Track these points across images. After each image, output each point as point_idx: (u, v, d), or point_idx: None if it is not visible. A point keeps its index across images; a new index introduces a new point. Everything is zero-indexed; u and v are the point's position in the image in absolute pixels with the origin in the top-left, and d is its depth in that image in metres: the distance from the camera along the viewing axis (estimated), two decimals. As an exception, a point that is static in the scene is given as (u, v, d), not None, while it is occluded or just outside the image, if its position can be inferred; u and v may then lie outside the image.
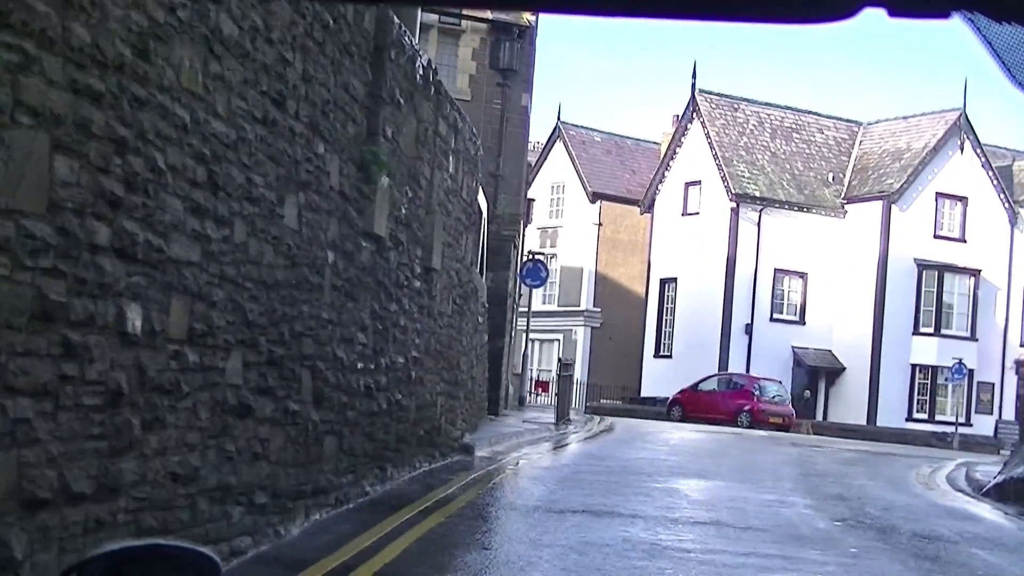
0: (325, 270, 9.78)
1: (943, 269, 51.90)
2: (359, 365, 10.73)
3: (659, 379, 53.29)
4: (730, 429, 32.79)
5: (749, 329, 51.99)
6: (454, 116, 14.97)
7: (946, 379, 50.08)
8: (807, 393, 49.90)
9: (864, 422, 50.72)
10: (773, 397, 46.07)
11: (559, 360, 31.55)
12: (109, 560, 1.84)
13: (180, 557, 1.92)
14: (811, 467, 19.15)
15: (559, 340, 60.35)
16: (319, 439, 9.72)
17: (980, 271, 52.47)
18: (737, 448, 23.60)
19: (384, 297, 11.75)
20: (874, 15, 1.31)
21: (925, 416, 51.32)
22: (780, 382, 47.28)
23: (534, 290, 58.33)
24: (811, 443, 28.94)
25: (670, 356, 54.46)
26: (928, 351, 51.33)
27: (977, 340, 52.05)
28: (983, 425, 51.37)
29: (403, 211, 12.47)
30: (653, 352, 55.29)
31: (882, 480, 18.00)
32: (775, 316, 52.77)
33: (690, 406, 45.11)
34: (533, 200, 38.01)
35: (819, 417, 52.61)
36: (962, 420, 50.39)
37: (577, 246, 60.26)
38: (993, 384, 52.83)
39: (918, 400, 51.69)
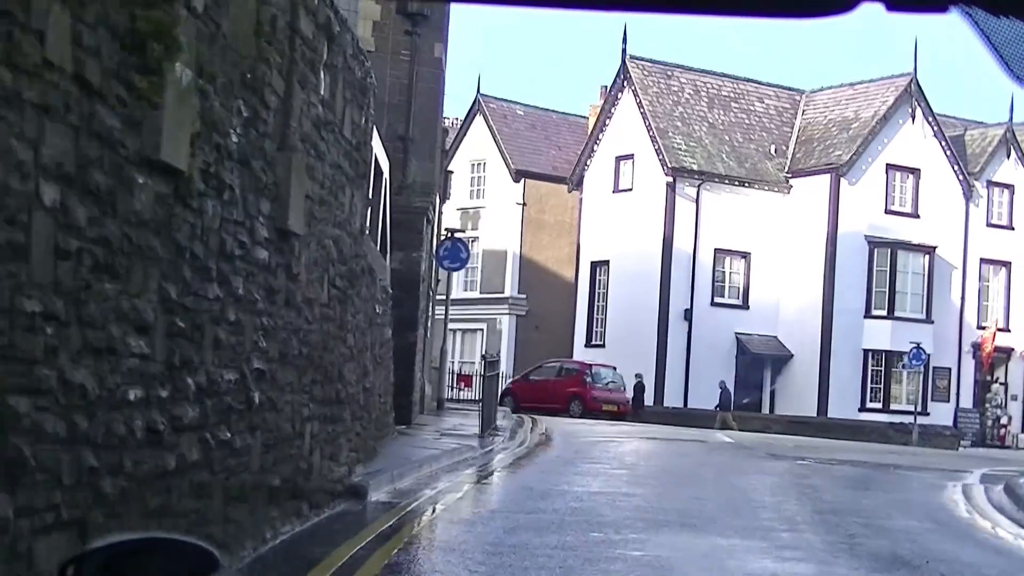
0: (35, 219, 5.13)
1: (896, 246, 48.02)
2: (131, 394, 6.08)
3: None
4: (691, 435, 28.31)
5: (688, 315, 47.81)
6: (327, 16, 10.32)
7: (902, 365, 46.24)
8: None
9: (814, 413, 46.80)
10: (607, 383, 43.70)
11: (483, 358, 27.12)
12: (107, 553, 1.87)
13: (177, 550, 1.93)
14: (817, 497, 14.75)
15: (482, 330, 55.85)
16: (29, 546, 5.07)
17: (935, 248, 48.66)
18: (709, 467, 19.22)
19: (192, 274, 7.09)
20: (872, 9, 1.33)
21: (879, 405, 47.47)
22: (615, 368, 44.40)
23: (454, 274, 54.17)
24: (790, 452, 24.59)
25: (603, 345, 50.12)
26: (881, 335, 47.44)
27: (933, 322, 48.25)
28: (940, 414, 47.63)
29: (233, 139, 7.83)
30: (584, 341, 50.93)
31: (920, 514, 13.66)
32: (716, 300, 48.63)
33: (522, 395, 42.75)
34: (452, 172, 33.43)
35: (766, 409, 48.58)
36: (918, 409, 46.60)
37: (500, 228, 55.74)
38: (950, 369, 49.08)
39: (871, 389, 47.81)
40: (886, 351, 47.45)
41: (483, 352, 56.86)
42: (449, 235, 26.25)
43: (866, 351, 47.66)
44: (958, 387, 49.44)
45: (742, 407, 47.66)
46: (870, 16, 1.31)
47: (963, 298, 49.83)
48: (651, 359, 47.54)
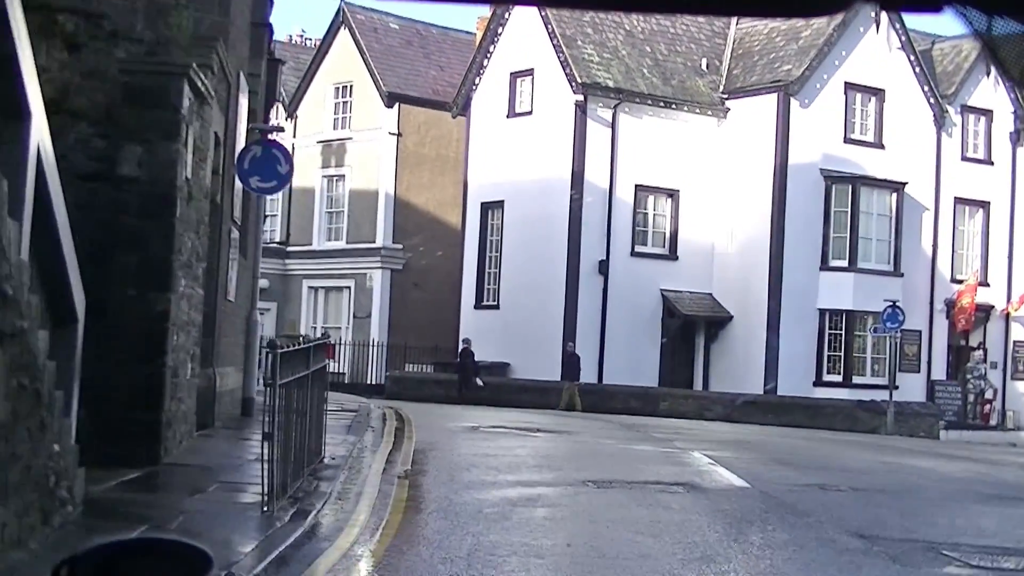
0: None
1: (858, 182, 38.85)
2: None
3: (483, 336, 39.27)
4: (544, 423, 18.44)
5: (604, 267, 38.19)
6: None
7: (873, 329, 37.17)
8: (480, 381, 36.36)
9: (760, 389, 37.60)
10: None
11: (289, 338, 17.15)
12: (102, 554, 1.85)
13: (173, 551, 1.92)
14: None
15: (349, 288, 45.74)
16: None
17: (904, 185, 39.58)
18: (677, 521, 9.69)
19: None
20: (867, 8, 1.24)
21: (838, 378, 38.43)
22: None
23: (315, 221, 44.91)
24: (745, 465, 15.29)
25: (496, 306, 40.37)
26: (841, 291, 38.32)
27: (902, 275, 39.25)
28: (910, 387, 38.76)
29: None
30: (474, 302, 41.10)
31: None
32: (638, 249, 39.05)
33: None
34: (282, 62, 23.27)
35: (698, 384, 39.27)
36: (883, 382, 37.79)
37: (370, 164, 45.59)
38: (919, 332, 40.14)
39: (829, 358, 38.67)
40: (847, 311, 38.37)
41: (352, 312, 46.84)
42: (261, 135, 16.07)
43: (822, 311, 38.51)
44: (929, 354, 40.57)
45: (669, 382, 38.36)
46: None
47: (935, 246, 40.88)
48: (557, 323, 37.94)
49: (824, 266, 38.50)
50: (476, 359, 37.79)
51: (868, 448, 23.84)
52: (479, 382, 36.08)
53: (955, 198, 41.13)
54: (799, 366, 38.14)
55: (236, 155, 15.86)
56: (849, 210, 38.61)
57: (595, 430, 22.10)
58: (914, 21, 42.51)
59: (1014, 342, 42.08)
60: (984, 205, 41.84)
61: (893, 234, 39.29)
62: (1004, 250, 41.90)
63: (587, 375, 37.54)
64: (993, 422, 39.50)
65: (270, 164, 15.68)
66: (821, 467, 17.21)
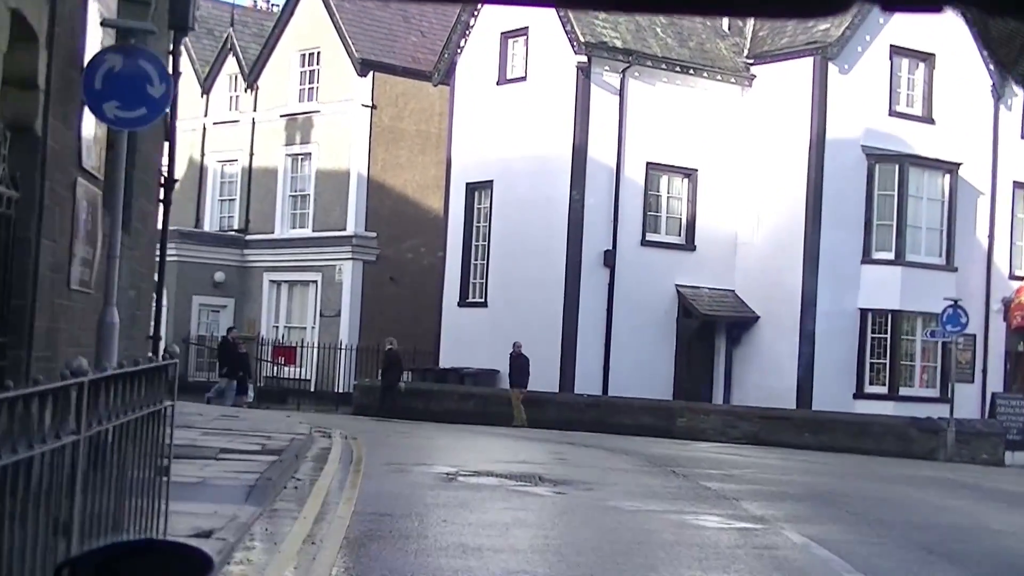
0: None
1: (905, 161, 33.26)
2: None
3: (468, 339, 33.86)
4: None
5: (610, 259, 32.58)
6: None
7: (930, 334, 31.66)
8: (402, 385, 31.41)
9: (793, 403, 32.07)
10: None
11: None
12: (102, 557, 1.86)
13: (173, 554, 1.91)
14: None
15: (316, 282, 40.07)
16: None
17: (959, 165, 34.03)
18: None
19: None
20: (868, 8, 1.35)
21: (883, 389, 32.86)
22: None
23: (278, 206, 40.01)
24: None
25: (484, 303, 34.74)
26: (887, 288, 32.76)
27: (956, 270, 33.71)
28: (964, 399, 33.19)
29: None
30: (458, 298, 35.45)
31: None
32: (649, 238, 33.45)
33: None
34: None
35: (719, 396, 33.69)
36: (935, 394, 32.40)
37: (340, 141, 39.93)
38: (974, 337, 34.55)
39: (872, 366, 33.08)
40: (892, 311, 32.82)
41: (319, 309, 40.71)
42: (120, 37, 10.38)
43: (864, 312, 32.95)
44: (985, 361, 35.02)
45: (686, 394, 32.83)
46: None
47: (991, 236, 35.29)
48: (555, 323, 32.35)
49: (867, 259, 32.93)
50: (457, 366, 32.39)
51: (990, 497, 18.26)
52: (401, 385, 31.26)
53: (1014, 182, 35.56)
54: (837, 375, 32.60)
55: (82, 66, 10.19)
56: (896, 193, 33.03)
57: (617, 475, 16.39)
58: None
59: (1079, 348, 36.57)
60: (1047, 190, 36.32)
61: (946, 222, 33.72)
62: (1068, 242, 36.40)
63: (590, 384, 32.02)
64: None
65: (134, 79, 10.05)
66: (985, 555, 11.52)
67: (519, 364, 30.84)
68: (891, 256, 32.91)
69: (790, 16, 1.35)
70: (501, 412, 30.37)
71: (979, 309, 34.57)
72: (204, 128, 43.53)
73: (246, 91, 42.70)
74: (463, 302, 35.11)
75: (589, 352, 31.99)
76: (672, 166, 33.60)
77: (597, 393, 31.62)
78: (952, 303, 29.67)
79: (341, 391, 36.07)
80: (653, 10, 1.38)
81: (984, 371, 34.84)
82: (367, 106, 39.52)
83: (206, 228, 42.93)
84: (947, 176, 33.85)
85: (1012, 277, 35.38)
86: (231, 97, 43.62)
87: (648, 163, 33.17)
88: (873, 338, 32.94)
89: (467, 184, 35.54)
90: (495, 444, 21.61)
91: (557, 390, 31.60)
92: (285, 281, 40.84)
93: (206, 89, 43.81)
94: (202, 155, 43.50)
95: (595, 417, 30.11)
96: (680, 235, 33.97)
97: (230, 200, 43.35)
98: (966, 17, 1.43)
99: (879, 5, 1.33)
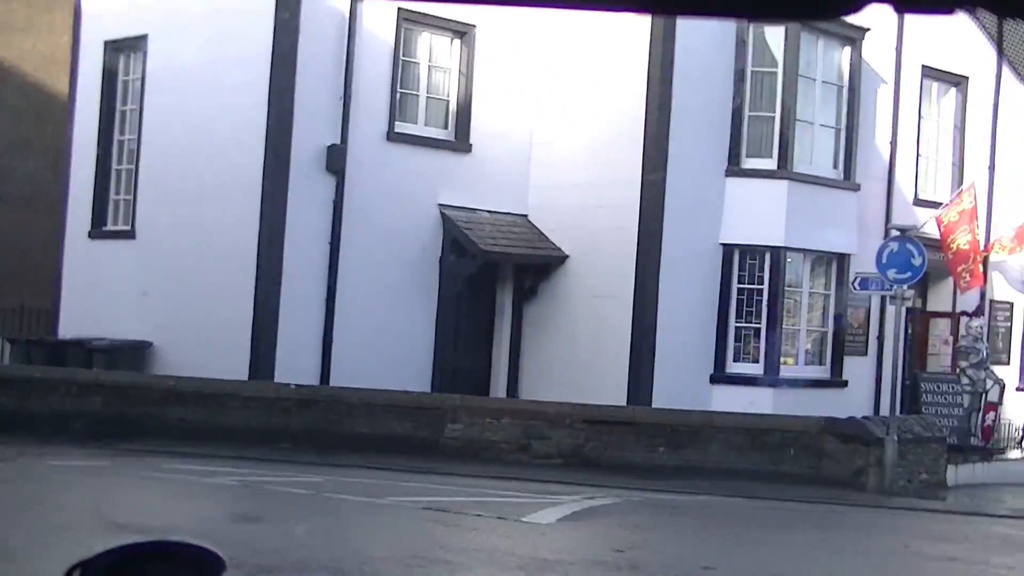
0: None
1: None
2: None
3: (105, 291, 20.89)
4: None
5: (337, 160, 19.94)
6: None
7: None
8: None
9: (623, 391, 20.53)
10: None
11: None
12: (114, 557, 1.82)
13: (185, 554, 1.88)
14: None
15: None
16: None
17: (866, 33, 22.80)
18: None
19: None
20: (881, 9, 1.32)
21: (757, 369, 21.68)
22: None
23: None
24: None
25: (131, 233, 21.69)
26: (763, 213, 21.38)
27: (859, 188, 22.68)
28: (854, 380, 22.24)
29: None
30: (89, 225, 22.25)
31: None
32: (400, 130, 20.97)
33: None
34: None
35: (500, 378, 21.78)
36: (824, 374, 21.47)
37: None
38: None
39: (740, 333, 21.61)
40: (773, 248, 21.44)
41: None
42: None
43: (728, 249, 21.43)
44: (880, 325, 23.97)
45: (454, 378, 20.83)
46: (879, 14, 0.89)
47: (893, 143, 24.21)
48: (245, 263, 19.61)
49: (733, 169, 21.41)
50: (84, 337, 19.51)
51: None
52: None
53: (923, 66, 24.61)
54: (686, 347, 21.08)
55: None
56: (781, 70, 21.54)
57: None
58: None
59: (990, 302, 26.21)
60: (958, 81, 25.53)
61: (846, 117, 22.49)
62: (985, 153, 25.83)
63: (305, 361, 19.54)
64: (998, 441, 23.48)
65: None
66: None
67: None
68: (771, 166, 21.46)
69: (803, 18, 1.31)
70: (151, 416, 17.73)
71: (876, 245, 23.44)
72: None
73: None
74: (97, 231, 21.93)
75: (300, 313, 19.49)
76: (438, 19, 21.12)
77: (313, 383, 19.14)
78: (899, 231, 18.31)
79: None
80: (665, 12, 1.34)
81: (880, 339, 23.85)
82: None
83: None
84: (847, 49, 22.57)
85: (917, 202, 24.50)
86: None
87: (401, 10, 20.59)
88: (741, 290, 21.45)
89: (106, 43, 22.30)
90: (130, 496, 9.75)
91: (247, 376, 19.00)
92: None
93: None
94: None
95: (309, 423, 17.87)
96: (448, 127, 21.57)
97: None
98: (978, 20, 1.53)
99: (892, 5, 1.33)
